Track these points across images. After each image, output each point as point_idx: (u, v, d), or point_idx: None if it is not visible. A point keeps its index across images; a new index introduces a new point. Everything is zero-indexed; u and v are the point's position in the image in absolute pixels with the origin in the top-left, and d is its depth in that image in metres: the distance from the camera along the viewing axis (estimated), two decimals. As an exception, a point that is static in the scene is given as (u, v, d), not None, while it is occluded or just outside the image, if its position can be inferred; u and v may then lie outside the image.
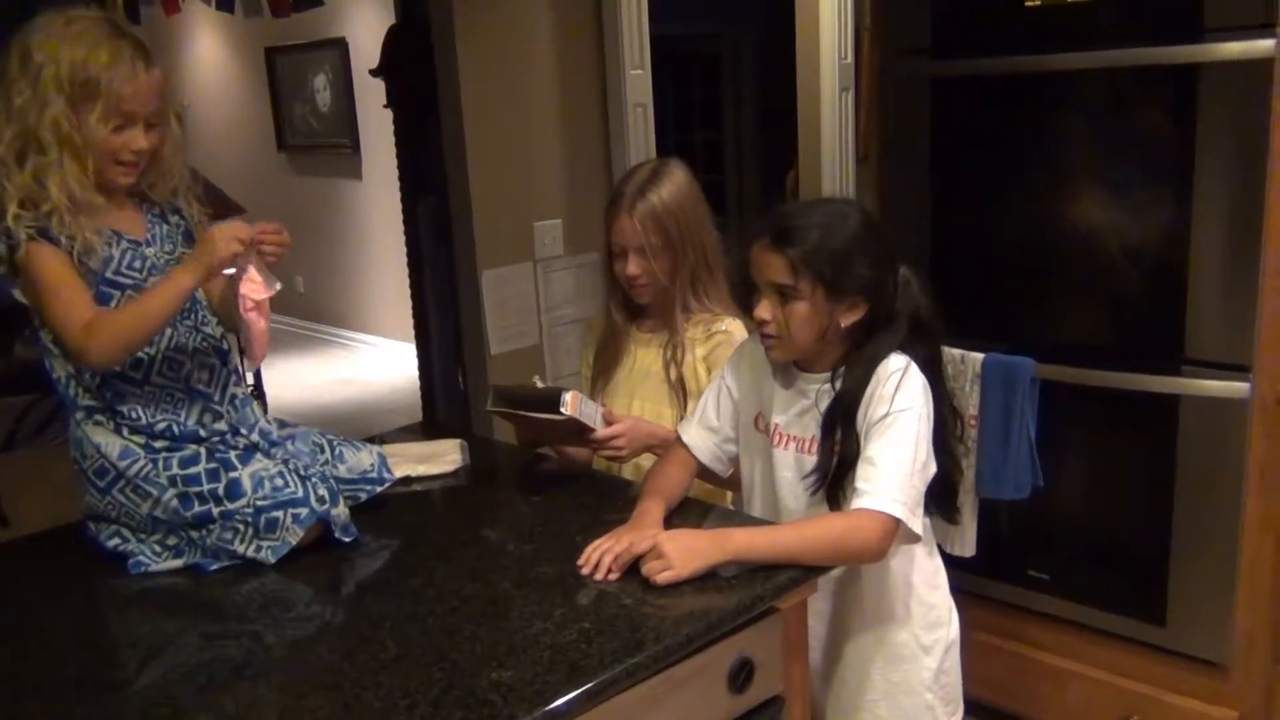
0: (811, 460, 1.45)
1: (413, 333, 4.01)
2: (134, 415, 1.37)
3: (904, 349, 1.43)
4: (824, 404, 1.44)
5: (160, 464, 1.37)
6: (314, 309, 7.04)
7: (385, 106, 3.78)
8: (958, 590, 1.61)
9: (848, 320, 1.41)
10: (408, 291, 3.94)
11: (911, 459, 1.35)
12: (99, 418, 1.37)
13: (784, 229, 1.40)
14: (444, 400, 3.71)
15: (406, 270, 3.91)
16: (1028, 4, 2.09)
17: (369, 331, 6.77)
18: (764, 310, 1.42)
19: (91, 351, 1.30)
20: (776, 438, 1.49)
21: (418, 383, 4.03)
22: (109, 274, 1.37)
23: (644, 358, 1.85)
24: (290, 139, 6.85)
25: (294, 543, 1.38)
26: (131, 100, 1.34)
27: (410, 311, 3.94)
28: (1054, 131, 2.15)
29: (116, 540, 1.40)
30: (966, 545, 1.99)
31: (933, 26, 2.25)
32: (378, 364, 6.40)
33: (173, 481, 1.36)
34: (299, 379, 6.11)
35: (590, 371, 1.92)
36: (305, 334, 7.10)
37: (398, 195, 3.88)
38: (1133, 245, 2.08)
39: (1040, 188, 2.18)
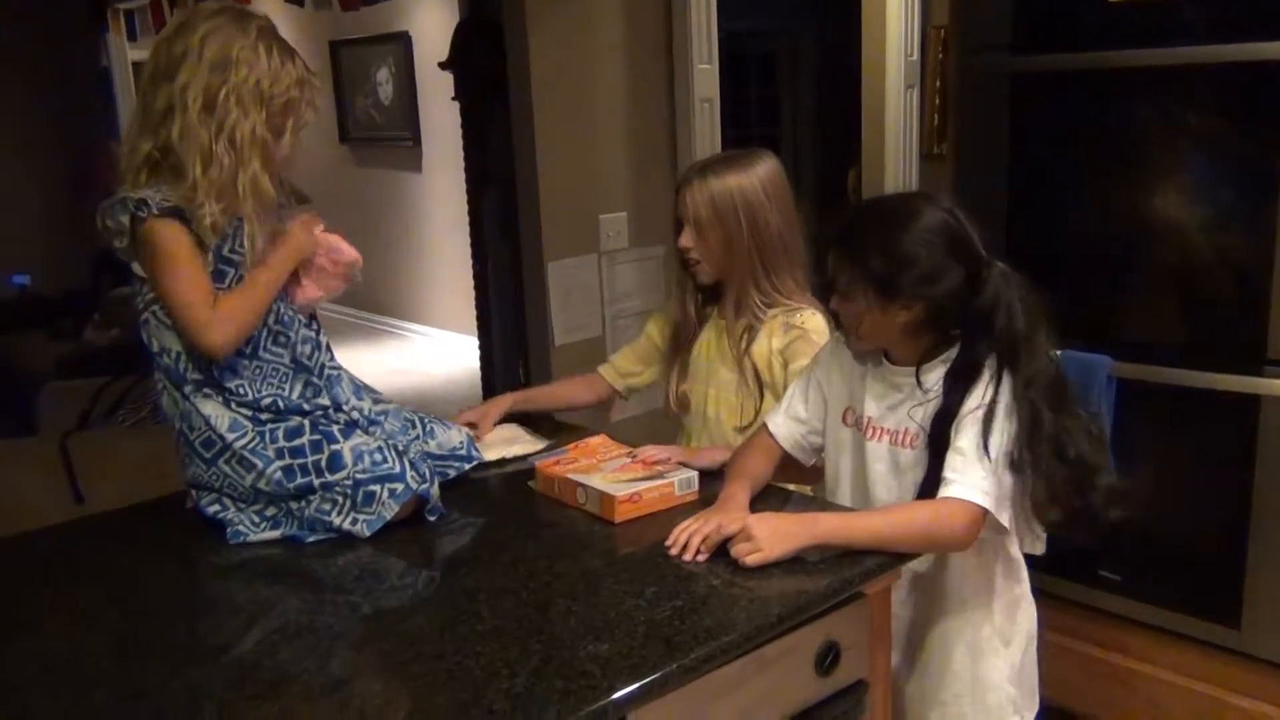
0: (906, 453, 1.45)
1: (469, 324, 4.06)
2: (241, 390, 1.41)
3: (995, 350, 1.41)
4: (916, 397, 1.44)
5: (267, 436, 1.41)
6: (372, 299, 7.14)
7: (453, 99, 3.83)
8: (1028, 588, 1.61)
9: (901, 319, 1.40)
10: (465, 283, 3.99)
11: (1002, 450, 1.35)
12: (208, 390, 1.42)
13: (840, 227, 1.43)
14: (504, 391, 3.75)
15: (465, 262, 3.95)
16: (1111, -1, 2.07)
17: (426, 322, 6.86)
18: (834, 305, 1.46)
19: (217, 333, 1.36)
20: (870, 431, 1.50)
21: (475, 373, 4.08)
22: (225, 252, 1.41)
23: (719, 345, 1.86)
24: (352, 131, 6.95)
25: (389, 517, 1.42)
26: (310, 117, 1.45)
27: (468, 302, 3.98)
28: (1135, 128, 2.13)
29: (216, 508, 1.45)
30: (1038, 543, 1.98)
31: (1013, 22, 2.24)
32: (435, 354, 6.48)
33: (279, 454, 1.41)
34: (356, 368, 6.15)
35: (658, 336, 1.95)
36: (363, 324, 7.21)
37: (457, 188, 3.93)
38: (1214, 243, 2.06)
39: (1120, 184, 2.16)
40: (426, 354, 6.55)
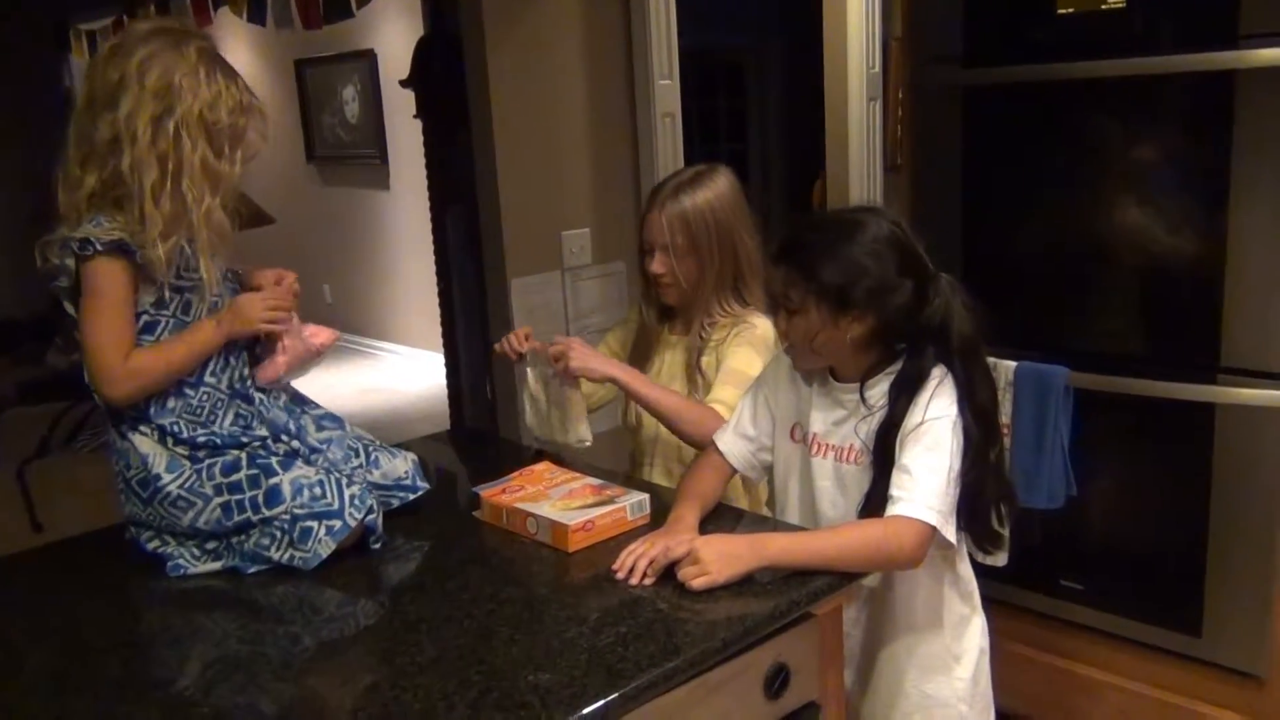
0: (850, 469, 1.45)
1: (438, 341, 4.03)
2: (176, 428, 1.38)
3: (941, 362, 1.41)
4: (860, 413, 1.43)
5: (204, 473, 1.38)
6: (340, 318, 7.08)
7: (415, 117, 3.82)
8: (990, 600, 1.60)
9: (853, 332, 1.39)
10: (433, 301, 3.97)
11: (947, 467, 1.34)
12: (144, 429, 1.39)
13: (786, 243, 1.42)
14: (471, 408, 3.73)
15: (433, 280, 3.93)
16: (1060, 11, 2.08)
17: (395, 340, 6.82)
18: (779, 324, 1.46)
19: (119, 389, 1.34)
20: (815, 447, 1.49)
21: (443, 391, 4.05)
22: (174, 279, 1.38)
23: (672, 360, 1.86)
24: (319, 150, 6.91)
25: (325, 554, 1.38)
26: (259, 147, 1.42)
27: (437, 320, 3.96)
28: (1087, 138, 2.14)
29: (157, 543, 1.42)
30: (999, 556, 1.97)
31: (964, 35, 2.25)
32: (404, 373, 6.44)
33: (217, 490, 1.37)
34: (326, 388, 6.15)
35: (618, 350, 1.94)
36: (332, 343, 7.16)
37: (425, 206, 3.91)
38: (1168, 252, 2.07)
39: (1074, 194, 2.17)
40: (397, 372, 6.50)
